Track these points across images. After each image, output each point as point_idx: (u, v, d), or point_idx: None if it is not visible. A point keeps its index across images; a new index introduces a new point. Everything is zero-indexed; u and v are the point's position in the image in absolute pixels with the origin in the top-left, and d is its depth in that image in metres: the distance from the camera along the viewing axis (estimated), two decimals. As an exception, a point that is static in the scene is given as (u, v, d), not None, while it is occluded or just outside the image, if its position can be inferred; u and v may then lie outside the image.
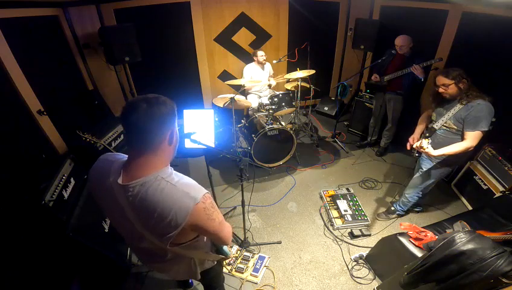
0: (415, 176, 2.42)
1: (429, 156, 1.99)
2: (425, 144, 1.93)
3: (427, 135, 2.11)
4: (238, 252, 2.36)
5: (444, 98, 2.03)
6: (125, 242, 1.14)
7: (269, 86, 4.13)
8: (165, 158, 0.92)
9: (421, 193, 2.42)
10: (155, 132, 0.86)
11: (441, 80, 1.97)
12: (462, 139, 1.96)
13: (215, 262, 1.35)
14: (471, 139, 1.90)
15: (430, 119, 2.22)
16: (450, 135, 2.05)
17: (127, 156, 0.94)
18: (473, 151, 2.09)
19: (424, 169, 2.29)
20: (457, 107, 1.96)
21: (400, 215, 2.69)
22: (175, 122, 0.91)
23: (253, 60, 3.99)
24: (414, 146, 2.06)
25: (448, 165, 2.20)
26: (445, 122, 2.03)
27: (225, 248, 1.36)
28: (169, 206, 0.85)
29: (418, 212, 2.73)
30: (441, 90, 2.00)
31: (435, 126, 2.10)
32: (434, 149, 1.97)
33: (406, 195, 2.52)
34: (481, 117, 1.85)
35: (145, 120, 0.82)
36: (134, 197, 0.86)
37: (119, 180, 0.87)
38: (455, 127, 1.99)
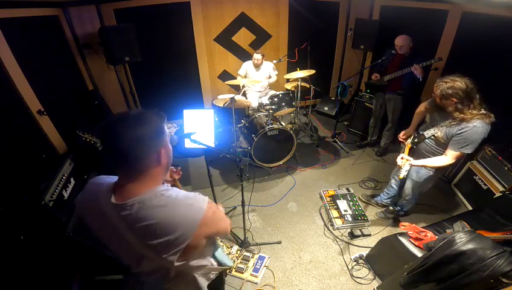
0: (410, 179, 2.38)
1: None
2: (400, 161, 1.95)
3: (416, 140, 2.11)
4: (238, 252, 2.36)
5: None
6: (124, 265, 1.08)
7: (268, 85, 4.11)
8: (158, 177, 0.88)
9: (417, 193, 2.41)
10: (141, 157, 0.80)
11: (435, 86, 1.85)
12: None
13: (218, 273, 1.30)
14: (452, 157, 1.86)
15: (424, 119, 2.19)
16: (435, 145, 2.03)
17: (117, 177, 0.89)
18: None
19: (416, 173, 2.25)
20: (449, 122, 1.87)
21: (400, 215, 2.69)
22: (163, 140, 0.85)
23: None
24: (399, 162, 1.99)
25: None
26: (436, 133, 1.99)
27: (225, 257, 1.31)
28: (175, 221, 0.82)
29: (403, 214, 2.71)
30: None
31: (425, 134, 2.06)
32: (416, 156, 2.07)
33: (405, 196, 2.51)
34: (471, 141, 1.77)
35: (129, 146, 0.77)
36: (131, 216, 0.81)
37: (112, 199, 0.82)
38: (442, 141, 1.95)
